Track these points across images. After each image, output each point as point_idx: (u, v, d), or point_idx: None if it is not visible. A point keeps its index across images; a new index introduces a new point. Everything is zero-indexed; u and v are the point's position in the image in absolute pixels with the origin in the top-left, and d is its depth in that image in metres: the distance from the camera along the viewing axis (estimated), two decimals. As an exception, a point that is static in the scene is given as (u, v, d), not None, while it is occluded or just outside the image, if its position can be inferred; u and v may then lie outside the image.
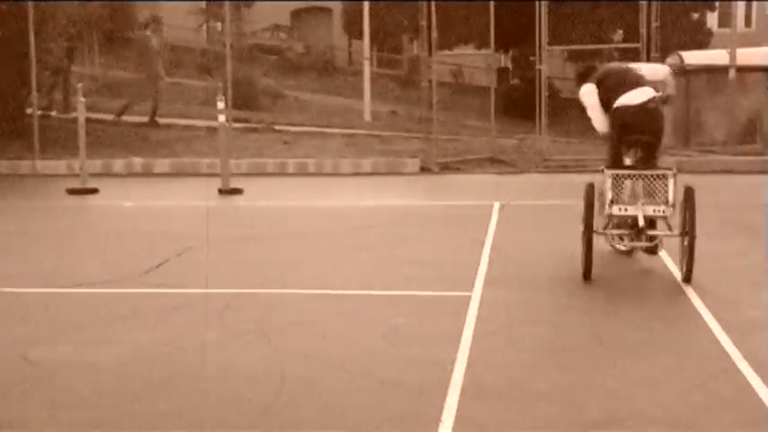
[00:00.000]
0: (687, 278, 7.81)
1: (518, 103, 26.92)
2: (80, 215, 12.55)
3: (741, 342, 6.14)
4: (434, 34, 16.38)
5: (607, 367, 5.81)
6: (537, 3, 16.13)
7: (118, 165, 16.22)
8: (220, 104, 13.84)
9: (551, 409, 5.09)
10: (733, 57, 17.20)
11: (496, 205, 11.97)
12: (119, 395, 5.42)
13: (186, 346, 6.33)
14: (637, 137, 8.13)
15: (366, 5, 30.92)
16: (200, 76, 29.88)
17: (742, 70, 23.96)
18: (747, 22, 47.53)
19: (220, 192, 13.56)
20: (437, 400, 5.18)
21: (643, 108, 8.05)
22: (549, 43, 16.49)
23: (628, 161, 8.32)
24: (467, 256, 9.02)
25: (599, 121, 8.46)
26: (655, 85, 8.28)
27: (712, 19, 38.81)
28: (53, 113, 20.44)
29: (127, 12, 32.21)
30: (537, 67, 16.47)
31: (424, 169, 15.77)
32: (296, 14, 48.61)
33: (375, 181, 15.10)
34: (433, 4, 16.16)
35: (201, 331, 6.67)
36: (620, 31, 16.69)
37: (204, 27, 40.45)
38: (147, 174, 16.03)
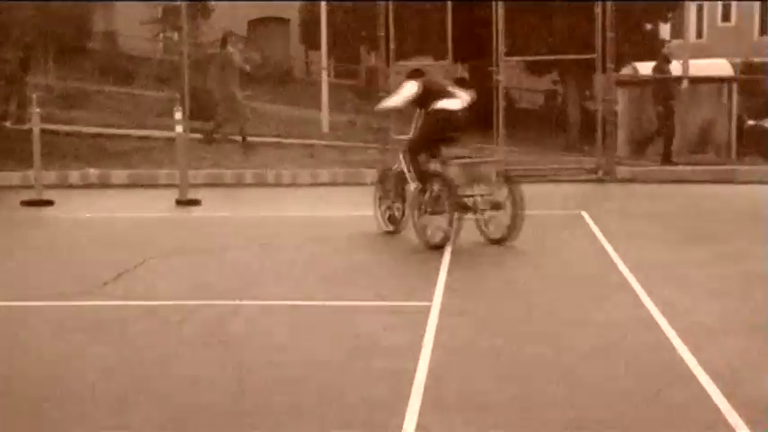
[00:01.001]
0: (505, 239, 9.81)
1: (476, 113, 27.02)
2: (35, 227, 12.42)
3: (697, 350, 6.22)
4: (392, 45, 16.45)
5: (565, 377, 5.85)
6: (494, 14, 16.23)
7: (74, 176, 16.07)
8: (178, 115, 13.78)
9: (510, 420, 5.12)
10: (685, 68, 17.44)
11: (456, 214, 11.99)
12: (78, 410, 5.37)
13: (145, 359, 6.29)
14: (451, 133, 10.17)
15: (323, 16, 30.94)
16: (156, 87, 29.69)
17: (694, 81, 24.29)
18: (699, 34, 48.25)
19: (178, 203, 13.49)
20: (398, 412, 5.19)
21: (457, 114, 10.09)
22: (507, 54, 16.61)
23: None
24: (426, 266, 9.05)
25: (393, 103, 10.57)
26: (462, 97, 10.32)
27: (665, 30, 39.32)
28: (7, 124, 20.20)
29: (83, 22, 31.95)
30: (495, 77, 16.58)
31: (383, 179, 15.78)
32: (253, 25, 48.52)
33: (333, 191, 15.11)
34: (390, 14, 16.21)
35: (160, 343, 6.63)
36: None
37: (160, 37, 40.23)
38: (104, 185, 15.90)
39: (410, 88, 10.36)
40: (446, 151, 10.10)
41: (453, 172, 9.75)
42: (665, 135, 17.49)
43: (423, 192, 9.90)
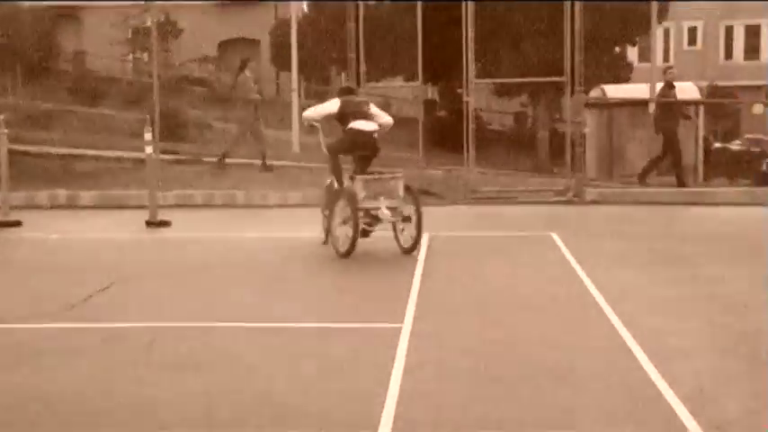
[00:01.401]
0: (413, 249, 10.69)
1: (445, 134, 27.22)
2: (2, 248, 12.30)
3: (666, 371, 6.25)
4: (362, 66, 16.49)
5: (537, 397, 5.86)
6: (464, 36, 16.33)
7: (41, 197, 15.94)
8: (148, 136, 13.72)
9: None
10: (653, 91, 17.60)
11: (426, 236, 12.03)
12: (44, 433, 5.31)
13: (113, 382, 6.23)
14: (363, 152, 11.08)
15: (294, 37, 30.99)
16: (126, 108, 29.59)
17: (661, 104, 24.46)
18: (666, 57, 48.75)
19: (148, 224, 13.41)
20: (369, 433, 5.17)
21: (369, 135, 10.96)
22: (477, 76, 16.70)
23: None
24: (397, 288, 9.05)
25: (311, 113, 11.35)
26: (379, 119, 11.19)
27: (633, 54, 39.75)
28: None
29: (51, 42, 31.83)
30: (464, 99, 16.66)
31: (353, 201, 15.79)
32: (223, 46, 48.50)
33: (304, 213, 15.07)
34: (361, 35, 16.25)
35: (128, 366, 6.57)
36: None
37: (130, 57, 40.15)
38: (73, 206, 15.78)
39: (329, 105, 11.29)
40: (361, 167, 11.13)
41: (358, 186, 10.70)
42: (673, 160, 17.53)
43: (334, 203, 10.88)
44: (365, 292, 9.03)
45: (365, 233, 10.82)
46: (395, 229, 10.94)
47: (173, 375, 6.38)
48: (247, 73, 19.08)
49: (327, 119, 11.36)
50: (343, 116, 11.07)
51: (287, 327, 7.73)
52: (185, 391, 6.01)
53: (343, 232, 10.66)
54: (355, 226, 10.44)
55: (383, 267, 10.33)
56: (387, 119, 11.40)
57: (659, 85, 17.70)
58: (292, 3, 32.97)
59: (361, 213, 10.59)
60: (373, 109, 11.35)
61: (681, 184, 17.12)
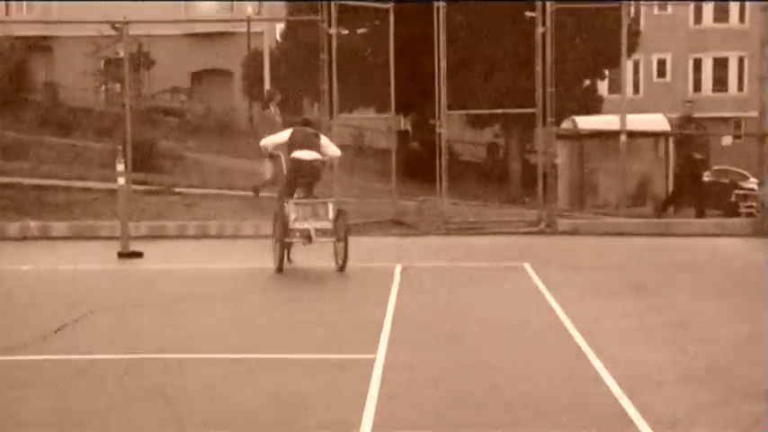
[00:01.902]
0: (342, 268, 11.65)
1: (418, 165, 27.33)
2: (-27, 280, 12.19)
3: (638, 401, 6.29)
4: (335, 97, 16.55)
5: (510, 427, 5.88)
6: (437, 68, 16.44)
7: (12, 228, 15.82)
8: (120, 166, 13.69)
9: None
10: (623, 122, 17.78)
11: (398, 267, 12.07)
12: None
13: (85, 414, 6.19)
14: (304, 179, 12.17)
15: (266, 68, 31.12)
16: (98, 138, 29.52)
17: (632, 135, 24.75)
18: (636, 89, 49.29)
19: (120, 255, 13.34)
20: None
21: (309, 163, 12.05)
22: (449, 107, 16.81)
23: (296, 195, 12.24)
24: (370, 318, 9.06)
25: (265, 142, 12.79)
26: (325, 150, 12.29)
27: (603, 86, 40.16)
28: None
29: (23, 73, 31.77)
30: (437, 130, 16.74)
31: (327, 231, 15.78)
32: (196, 77, 48.54)
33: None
34: (334, 66, 16.31)
35: (100, 398, 6.53)
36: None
37: (103, 88, 40.09)
38: (44, 237, 15.68)
39: (282, 135, 12.51)
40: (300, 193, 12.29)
41: (290, 209, 11.86)
42: (695, 192, 17.68)
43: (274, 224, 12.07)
44: (339, 324, 9.03)
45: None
46: (335, 250, 11.90)
47: (144, 406, 6.34)
48: (272, 108, 18.66)
49: (280, 148, 12.57)
50: (290, 146, 12.21)
51: (260, 358, 7.71)
52: (157, 423, 5.98)
53: (278, 250, 11.83)
54: (281, 245, 11.71)
55: (357, 298, 10.34)
56: (333, 151, 12.62)
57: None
58: (265, 34, 33.13)
59: (296, 234, 11.91)
60: (323, 140, 12.43)
61: (701, 215, 17.22)
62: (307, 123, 12.74)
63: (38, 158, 25.77)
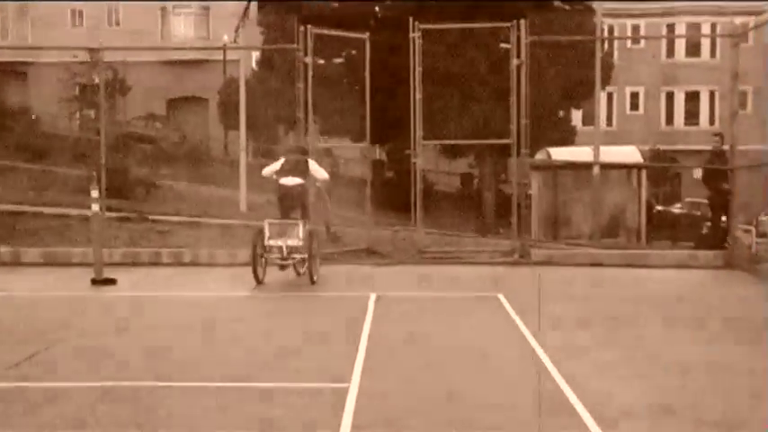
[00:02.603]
0: (312, 281, 13.12)
1: (393, 194, 27.39)
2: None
3: (607, 430, 6.31)
4: (311, 126, 16.60)
5: (484, 457, 5.88)
6: (412, 98, 16.55)
7: (-16, 254, 15.70)
8: (94, 193, 13.63)
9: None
10: (597, 154, 17.93)
11: (373, 296, 12.07)
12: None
13: (57, 442, 6.15)
14: (288, 203, 13.75)
15: (242, 96, 31.13)
16: (72, 164, 29.38)
17: (605, 167, 24.98)
18: (609, 122, 49.72)
19: (93, 282, 13.27)
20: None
21: (291, 189, 13.66)
22: (424, 137, 16.89)
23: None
24: (344, 348, 9.05)
25: (266, 174, 14.13)
26: (313, 176, 13.89)
27: (577, 117, 40.49)
28: None
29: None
30: (412, 160, 16.81)
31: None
32: (171, 104, 48.51)
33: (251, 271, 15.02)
34: (309, 95, 16.37)
35: (72, 426, 6.48)
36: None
37: (77, 114, 39.93)
38: (16, 263, 15.57)
39: (277, 163, 13.97)
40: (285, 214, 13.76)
41: (266, 228, 13.43)
42: (715, 222, 17.78)
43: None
44: (312, 353, 9.01)
45: (281, 267, 13.51)
46: (307, 265, 13.36)
47: (118, 435, 6.30)
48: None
49: (277, 174, 13.79)
50: (281, 172, 13.71)
51: (232, 386, 7.69)
52: (131, 452, 5.94)
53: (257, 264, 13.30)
54: (253, 258, 13.21)
55: (331, 327, 10.32)
56: (321, 175, 14.06)
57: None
58: (241, 62, 33.18)
59: (275, 250, 13.43)
60: (312, 166, 13.88)
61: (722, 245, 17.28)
62: (300, 151, 14.24)
63: (11, 184, 25.62)
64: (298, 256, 13.41)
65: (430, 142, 18.92)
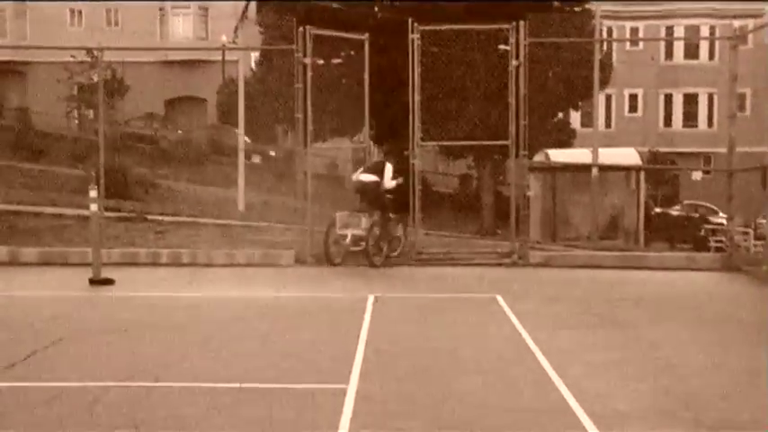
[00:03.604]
0: (373, 265, 15.59)
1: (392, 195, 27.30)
2: (-60, 305, 12.06)
3: (605, 431, 6.32)
4: (309, 126, 16.56)
5: (482, 460, 5.87)
6: (411, 99, 16.54)
7: (-18, 253, 15.69)
8: (92, 193, 13.62)
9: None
10: (595, 156, 17.93)
11: (371, 298, 12.07)
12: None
13: (54, 443, 6.14)
14: (362, 195, 16.09)
15: (241, 96, 31.12)
16: (71, 164, 29.36)
17: (604, 169, 24.98)
18: (608, 124, 49.76)
19: (91, 282, 13.26)
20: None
21: (366, 184, 16.00)
22: (423, 139, 16.89)
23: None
24: (342, 349, 9.04)
25: (354, 177, 16.61)
26: (381, 174, 15.91)
27: (575, 119, 40.51)
28: None
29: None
30: (411, 161, 16.81)
31: (299, 261, 15.80)
32: (170, 104, 48.49)
33: (250, 272, 15.04)
34: (308, 95, 16.35)
35: (70, 426, 6.47)
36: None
37: (76, 114, 39.93)
38: (14, 263, 15.56)
39: (362, 168, 16.63)
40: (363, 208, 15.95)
41: (337, 219, 15.68)
42: None
43: None
44: (310, 354, 9.00)
45: (350, 253, 15.65)
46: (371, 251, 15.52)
47: (115, 436, 6.29)
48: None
49: (361, 172, 16.29)
50: (363, 171, 16.28)
51: (231, 387, 7.67)
52: (128, 453, 5.93)
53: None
54: (326, 244, 15.54)
55: (329, 328, 10.32)
56: (388, 176, 15.95)
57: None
58: (240, 62, 33.18)
59: (342, 238, 15.62)
60: (387, 168, 16.04)
61: None
62: (386, 157, 17.11)
63: (9, 184, 25.60)
64: (363, 243, 15.48)
65: (428, 143, 18.89)
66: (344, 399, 7.19)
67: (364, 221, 15.46)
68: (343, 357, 8.62)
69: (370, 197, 15.82)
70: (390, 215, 16.14)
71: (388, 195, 16.11)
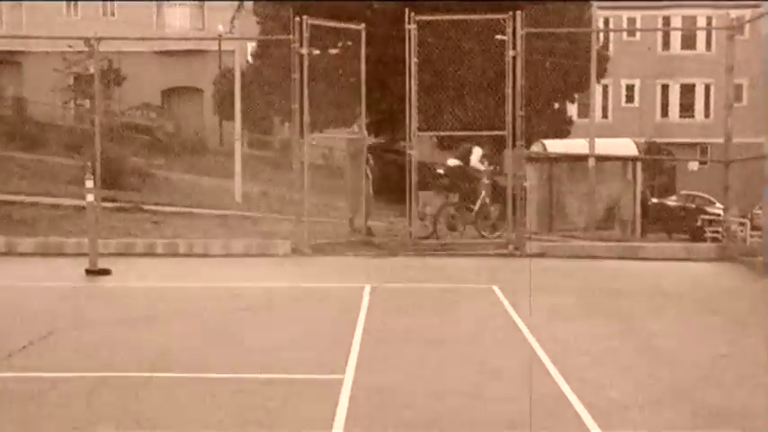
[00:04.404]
0: (493, 231, 17.66)
1: (388, 186, 27.32)
2: (-63, 295, 12.05)
3: (607, 425, 6.32)
4: (306, 117, 16.53)
5: (478, 449, 5.89)
6: (407, 89, 16.52)
7: (-22, 243, 15.68)
8: (89, 183, 13.60)
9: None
10: (592, 146, 17.93)
11: (368, 287, 12.08)
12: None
13: (51, 433, 6.14)
14: (450, 178, 17.86)
15: (237, 87, 31.08)
16: (67, 154, 29.33)
17: (601, 159, 24.95)
18: (604, 114, 49.75)
19: (88, 272, 13.25)
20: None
21: (452, 168, 17.86)
22: (419, 129, 16.87)
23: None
24: (339, 339, 9.05)
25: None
26: (467, 159, 17.78)
27: (572, 109, 40.50)
28: None
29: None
30: (407, 151, 16.79)
31: (296, 251, 15.79)
32: (166, 94, 48.42)
33: (246, 262, 15.04)
34: (305, 86, 16.32)
35: (67, 417, 6.48)
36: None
37: (72, 104, 39.88)
38: (10, 253, 15.55)
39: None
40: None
41: (420, 198, 17.18)
42: None
43: None
44: (307, 344, 9.01)
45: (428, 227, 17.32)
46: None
47: (112, 427, 6.30)
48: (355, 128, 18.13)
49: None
50: (455, 157, 18.32)
51: (228, 377, 7.68)
52: (125, 443, 5.94)
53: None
54: (409, 219, 16.77)
55: (326, 318, 10.32)
56: (474, 159, 17.74)
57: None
58: (237, 52, 33.13)
59: (422, 214, 17.17)
60: (474, 151, 17.85)
61: None
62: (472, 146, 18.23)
63: (5, 173, 25.58)
64: (432, 221, 17.21)
65: (425, 133, 18.86)
66: (341, 389, 7.20)
67: (436, 201, 17.44)
68: (340, 347, 8.63)
69: (455, 179, 17.71)
70: (487, 199, 17.53)
71: (486, 181, 17.66)
